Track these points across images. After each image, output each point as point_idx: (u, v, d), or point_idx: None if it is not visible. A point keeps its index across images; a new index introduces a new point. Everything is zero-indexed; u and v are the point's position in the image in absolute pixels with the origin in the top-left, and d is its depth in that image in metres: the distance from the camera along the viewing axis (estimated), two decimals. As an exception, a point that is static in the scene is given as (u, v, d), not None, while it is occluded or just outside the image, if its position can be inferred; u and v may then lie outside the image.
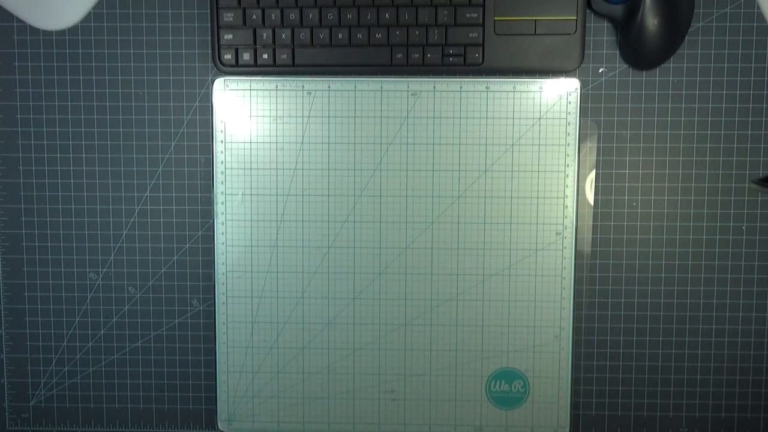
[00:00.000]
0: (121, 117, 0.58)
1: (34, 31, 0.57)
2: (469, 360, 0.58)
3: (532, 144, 0.56)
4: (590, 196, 0.57)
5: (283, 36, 0.54)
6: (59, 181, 0.58)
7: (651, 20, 0.52)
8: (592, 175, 0.57)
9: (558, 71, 0.55)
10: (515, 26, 0.54)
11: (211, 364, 0.60)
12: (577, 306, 0.58)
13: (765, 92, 0.56)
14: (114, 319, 0.60)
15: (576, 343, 0.58)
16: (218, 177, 0.57)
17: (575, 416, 0.59)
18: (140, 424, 0.61)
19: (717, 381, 0.58)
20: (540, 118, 0.56)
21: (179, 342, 0.60)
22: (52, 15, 0.57)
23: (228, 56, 0.55)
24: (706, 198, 0.57)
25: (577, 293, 0.57)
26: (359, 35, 0.54)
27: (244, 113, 0.57)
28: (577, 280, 0.57)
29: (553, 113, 0.56)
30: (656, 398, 0.59)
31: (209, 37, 0.56)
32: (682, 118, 0.56)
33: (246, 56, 0.55)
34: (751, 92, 0.56)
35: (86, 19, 0.57)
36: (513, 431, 0.59)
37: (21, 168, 0.58)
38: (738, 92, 0.56)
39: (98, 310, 0.60)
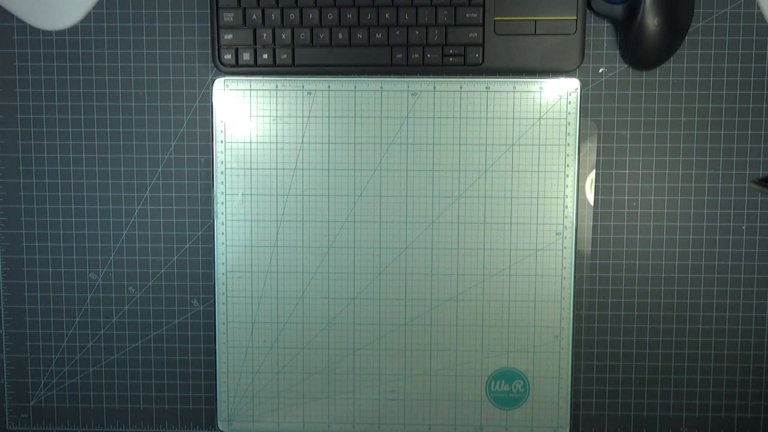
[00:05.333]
0: (121, 117, 0.58)
1: (34, 31, 0.57)
2: (469, 360, 0.58)
3: (532, 144, 0.56)
4: (590, 196, 0.57)
5: (283, 36, 0.54)
6: (59, 181, 0.58)
7: (651, 20, 0.52)
8: (592, 175, 0.57)
9: (558, 71, 0.55)
10: (515, 26, 0.54)
11: (211, 364, 0.60)
12: (577, 306, 0.58)
13: (765, 92, 0.56)
14: (114, 319, 0.60)
15: (576, 343, 0.58)
16: (218, 177, 0.57)
17: (575, 416, 0.59)
18: (140, 424, 0.61)
19: (717, 381, 0.58)
20: (540, 118, 0.56)
21: (179, 342, 0.60)
22: (52, 15, 0.57)
23: (228, 56, 0.55)
24: (706, 198, 0.57)
25: (577, 293, 0.57)
26: (359, 35, 0.54)
27: (244, 113, 0.57)
28: (577, 280, 0.57)
29: (553, 113, 0.56)
30: (656, 398, 0.59)
31: (209, 37, 0.56)
32: (682, 118, 0.56)
33: (246, 56, 0.55)
34: (751, 92, 0.56)
35: (86, 19, 0.57)
36: (513, 431, 0.59)
37: (21, 168, 0.58)
38: (738, 92, 0.56)
39: (98, 310, 0.60)
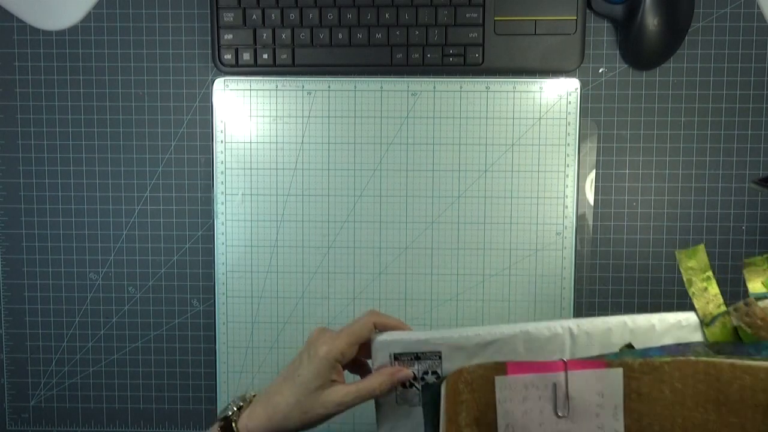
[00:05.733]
0: (121, 117, 0.58)
1: (34, 31, 0.57)
2: (469, 360, 0.58)
3: (532, 144, 0.56)
4: (590, 196, 0.57)
5: (283, 36, 0.54)
6: (59, 181, 0.58)
7: (651, 20, 0.52)
8: (592, 175, 0.57)
9: (558, 71, 0.55)
10: (515, 26, 0.54)
11: (211, 364, 0.60)
12: (577, 306, 0.58)
13: (765, 92, 0.56)
14: (114, 319, 0.60)
15: (576, 343, 0.58)
16: (218, 177, 0.57)
17: (575, 416, 0.59)
18: (140, 424, 0.61)
19: (717, 381, 0.58)
20: (540, 118, 0.56)
21: (179, 342, 0.60)
22: (52, 15, 0.57)
23: (228, 56, 0.55)
24: (706, 198, 0.57)
25: (577, 293, 0.57)
26: (359, 35, 0.54)
27: (244, 113, 0.57)
28: (577, 280, 0.57)
29: (553, 113, 0.56)
30: (656, 398, 0.59)
31: (209, 37, 0.56)
32: (682, 118, 0.56)
33: (246, 56, 0.55)
34: (751, 92, 0.56)
35: (86, 19, 0.57)
36: None
37: (21, 168, 0.58)
38: (738, 92, 0.56)
39: (98, 310, 0.60)
